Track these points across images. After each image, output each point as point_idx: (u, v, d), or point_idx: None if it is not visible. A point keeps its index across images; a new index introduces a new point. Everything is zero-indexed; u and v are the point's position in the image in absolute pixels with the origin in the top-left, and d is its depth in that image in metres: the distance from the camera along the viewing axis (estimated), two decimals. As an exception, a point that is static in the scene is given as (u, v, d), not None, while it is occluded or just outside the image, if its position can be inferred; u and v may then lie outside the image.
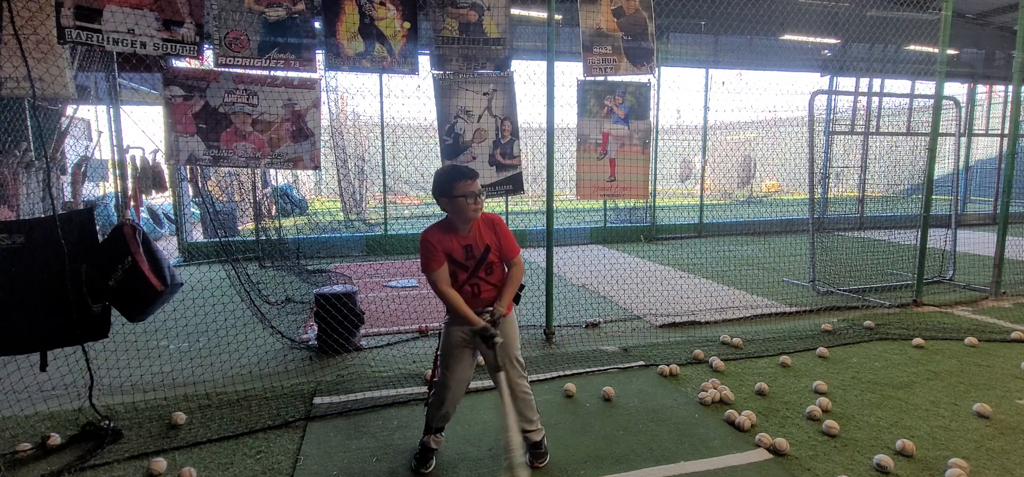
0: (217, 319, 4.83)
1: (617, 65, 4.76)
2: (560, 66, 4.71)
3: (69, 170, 7.03)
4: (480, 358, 3.59)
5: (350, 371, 4.15)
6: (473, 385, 3.74)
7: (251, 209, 9.85)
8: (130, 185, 5.80)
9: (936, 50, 5.81)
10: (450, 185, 2.63)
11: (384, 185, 9.95)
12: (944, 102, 6.01)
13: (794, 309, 5.74)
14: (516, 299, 2.86)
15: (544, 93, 4.70)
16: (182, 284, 3.41)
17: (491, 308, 2.66)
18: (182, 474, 2.73)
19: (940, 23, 5.70)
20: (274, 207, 10.51)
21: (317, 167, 4.25)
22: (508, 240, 2.75)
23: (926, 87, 8.08)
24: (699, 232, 11.49)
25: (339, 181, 12.09)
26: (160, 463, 2.82)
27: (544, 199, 4.87)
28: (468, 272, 2.70)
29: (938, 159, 5.95)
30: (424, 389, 3.78)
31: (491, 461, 2.92)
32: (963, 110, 10.46)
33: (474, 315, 2.63)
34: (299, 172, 11.90)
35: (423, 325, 5.17)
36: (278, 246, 8.18)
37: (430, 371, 2.89)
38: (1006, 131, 11.84)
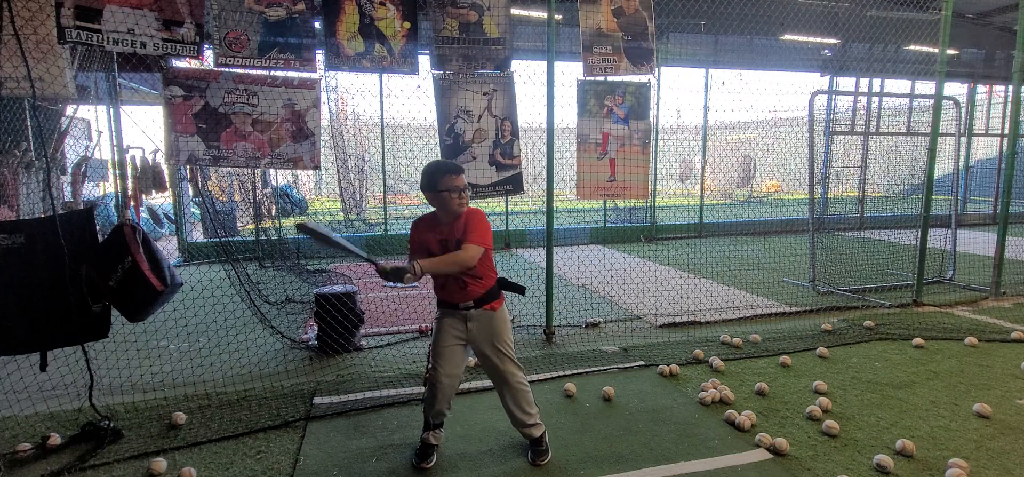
0: (217, 319, 4.82)
1: (617, 65, 4.76)
2: (560, 66, 4.71)
3: (69, 170, 7.03)
4: (472, 359, 3.59)
5: (350, 371, 4.15)
6: (472, 385, 3.76)
7: (251, 209, 9.85)
8: (130, 185, 5.80)
9: (936, 50, 5.81)
10: (435, 179, 2.67)
11: (384, 185, 9.95)
12: (944, 102, 6.01)
13: (794, 309, 5.74)
14: (520, 290, 2.91)
15: (544, 93, 4.70)
16: (182, 284, 3.41)
17: (413, 263, 2.52)
18: (182, 474, 2.73)
19: (940, 23, 5.70)
20: (274, 207, 10.51)
21: (317, 167, 4.25)
22: (472, 228, 2.67)
23: (926, 87, 8.09)
24: (699, 232, 11.48)
25: (339, 181, 12.07)
26: (160, 463, 2.82)
27: (544, 199, 4.87)
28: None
29: (938, 159, 5.95)
30: (424, 389, 3.78)
31: (491, 461, 2.92)
32: (963, 110, 10.46)
33: (390, 261, 2.58)
34: (299, 172, 11.90)
35: (423, 325, 5.17)
36: (278, 246, 8.18)
37: (425, 368, 2.91)
38: (1006, 131, 11.84)
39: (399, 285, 2.55)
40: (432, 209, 2.80)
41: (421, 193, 2.78)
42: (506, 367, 2.82)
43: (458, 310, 2.76)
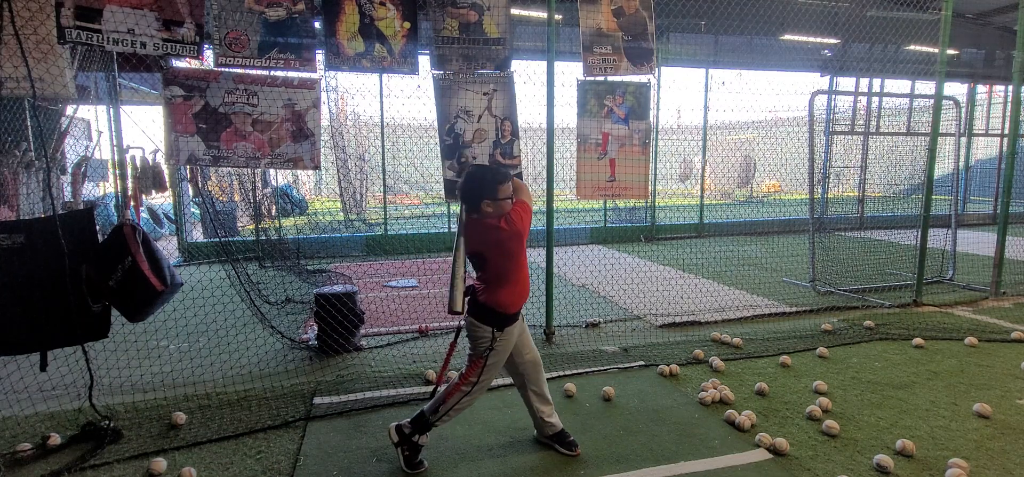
0: (217, 319, 4.82)
1: (617, 65, 4.76)
2: (560, 66, 4.71)
3: (69, 170, 7.03)
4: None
5: (350, 371, 4.15)
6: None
7: (251, 209, 9.85)
8: (130, 185, 5.80)
9: (936, 50, 5.81)
10: (495, 188, 2.61)
11: (384, 185, 9.95)
12: (944, 102, 6.01)
13: (794, 309, 5.74)
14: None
15: (544, 93, 4.70)
16: (182, 284, 3.41)
17: None
18: (182, 474, 2.73)
19: (940, 23, 5.69)
20: (274, 207, 10.51)
21: (317, 167, 4.25)
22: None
23: (926, 87, 8.09)
24: (699, 232, 11.49)
25: (339, 181, 12.08)
26: (160, 463, 2.82)
27: (544, 199, 4.87)
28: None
29: (938, 159, 5.95)
30: (425, 389, 3.78)
31: (491, 459, 2.92)
32: (963, 110, 10.46)
33: None
34: (299, 172, 11.91)
35: (423, 325, 5.17)
36: (278, 246, 8.18)
37: (441, 372, 2.86)
38: (1006, 131, 11.84)
39: None
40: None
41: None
42: (539, 363, 2.95)
43: (518, 315, 2.80)
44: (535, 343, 3.05)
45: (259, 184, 9.81)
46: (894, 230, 7.93)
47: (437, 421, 2.81)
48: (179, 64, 3.95)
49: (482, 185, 2.63)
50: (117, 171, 7.42)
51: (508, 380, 3.25)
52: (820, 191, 9.51)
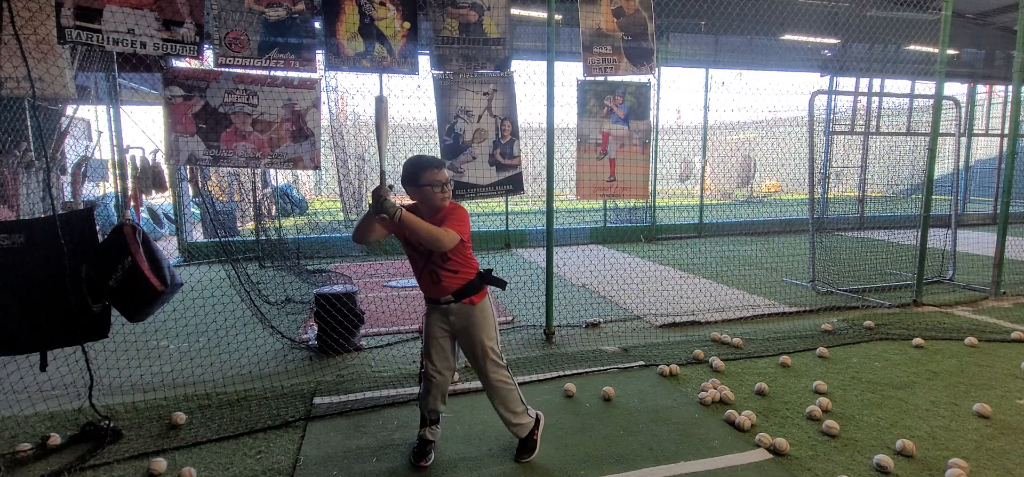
0: (217, 319, 4.82)
1: (617, 65, 4.76)
2: (560, 66, 4.71)
3: (69, 170, 7.03)
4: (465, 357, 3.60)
5: (350, 371, 4.15)
6: (472, 385, 3.76)
7: (251, 209, 9.85)
8: (130, 185, 5.80)
9: (936, 50, 5.81)
10: (416, 174, 2.71)
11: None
12: (944, 102, 6.01)
13: (794, 309, 5.74)
14: (501, 284, 2.91)
15: (544, 93, 4.70)
16: (182, 284, 3.41)
17: (401, 207, 2.60)
18: (182, 474, 2.73)
19: (940, 23, 5.69)
20: (274, 207, 10.51)
21: (317, 167, 4.25)
22: (452, 217, 2.70)
23: (926, 87, 8.09)
24: (699, 232, 11.49)
25: (339, 181, 12.07)
26: (160, 463, 2.82)
27: (544, 199, 4.87)
28: (425, 259, 2.77)
29: (938, 159, 5.95)
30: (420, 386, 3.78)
31: (491, 461, 2.92)
32: (963, 110, 10.46)
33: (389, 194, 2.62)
34: (299, 172, 11.90)
35: (423, 325, 5.16)
36: (278, 246, 8.18)
37: (420, 365, 2.94)
38: (1006, 131, 11.84)
39: (382, 215, 2.61)
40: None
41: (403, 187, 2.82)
42: (485, 365, 2.84)
43: (439, 305, 2.84)
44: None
45: (259, 184, 9.81)
46: (894, 230, 7.91)
47: (421, 411, 2.94)
48: (179, 64, 3.95)
49: (404, 174, 2.77)
50: (117, 171, 7.41)
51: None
52: (820, 191, 9.51)
